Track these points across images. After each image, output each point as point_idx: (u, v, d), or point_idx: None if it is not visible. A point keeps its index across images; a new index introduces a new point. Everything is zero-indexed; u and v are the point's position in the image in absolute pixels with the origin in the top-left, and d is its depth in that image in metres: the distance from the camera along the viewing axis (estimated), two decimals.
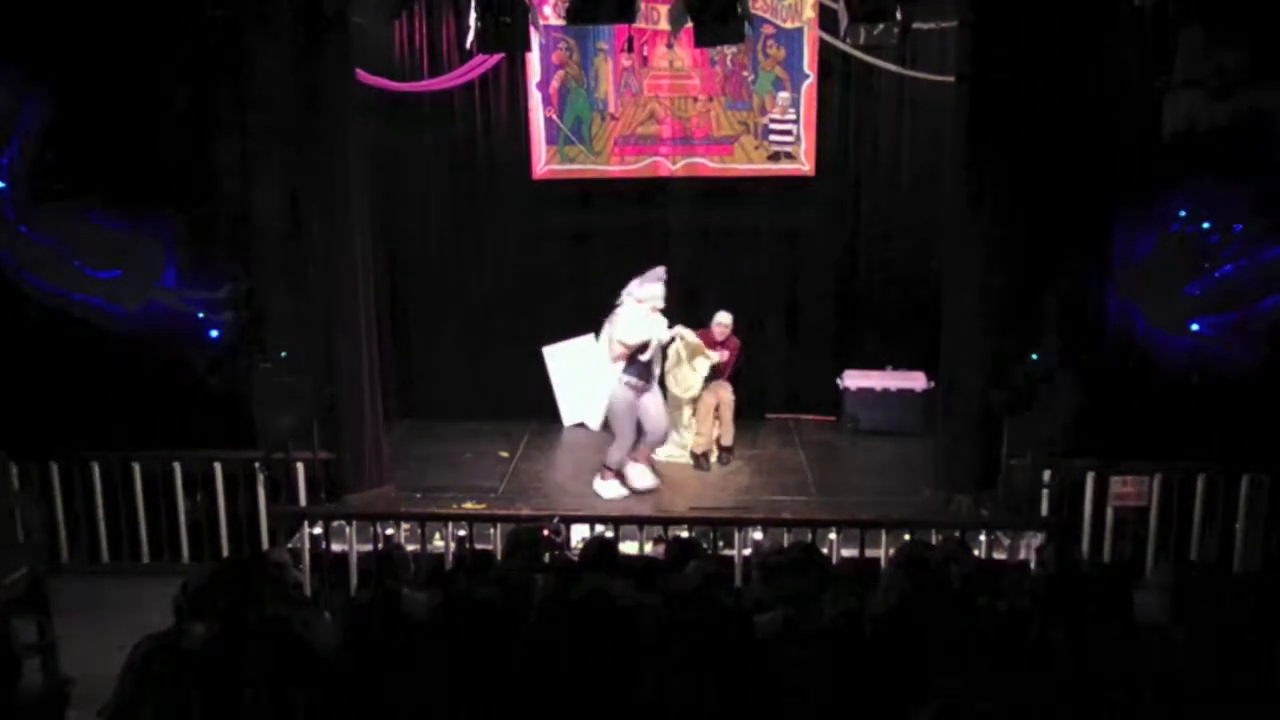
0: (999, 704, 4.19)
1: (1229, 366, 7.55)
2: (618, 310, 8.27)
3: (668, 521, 7.29)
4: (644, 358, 8.21)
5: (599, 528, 7.15)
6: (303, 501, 8.06)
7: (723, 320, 8.99)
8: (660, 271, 8.30)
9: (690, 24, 7.45)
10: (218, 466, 8.08)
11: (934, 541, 6.25)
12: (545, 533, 5.99)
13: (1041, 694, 4.27)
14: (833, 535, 7.15)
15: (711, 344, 8.91)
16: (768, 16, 9.38)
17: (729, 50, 9.31)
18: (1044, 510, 7.74)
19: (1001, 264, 7.71)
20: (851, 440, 9.59)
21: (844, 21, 7.67)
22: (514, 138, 9.81)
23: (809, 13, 9.35)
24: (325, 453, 8.11)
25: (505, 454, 9.27)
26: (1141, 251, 7.82)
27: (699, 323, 8.97)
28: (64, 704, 4.28)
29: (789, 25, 9.45)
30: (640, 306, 8.20)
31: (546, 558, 5.50)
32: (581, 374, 9.91)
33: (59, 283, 7.75)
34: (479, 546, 7.15)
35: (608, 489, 8.37)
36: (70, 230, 7.78)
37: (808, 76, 9.51)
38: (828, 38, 9.30)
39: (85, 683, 4.69)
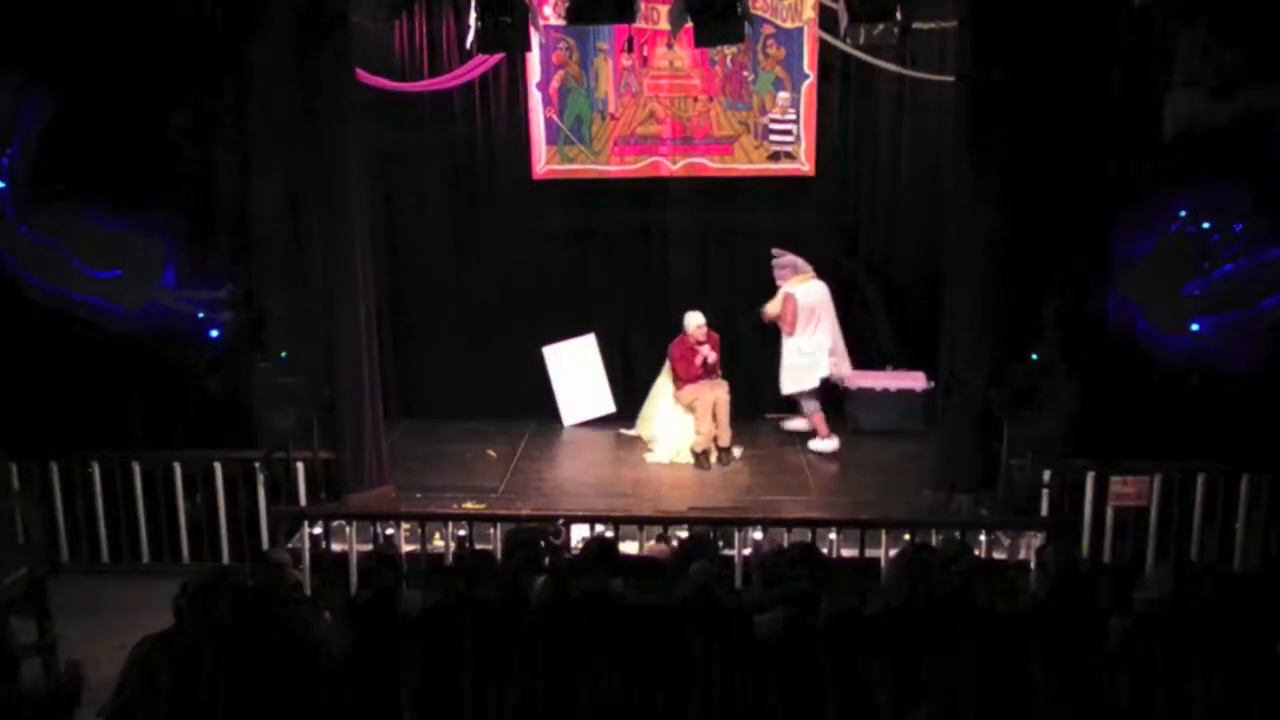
0: (997, 704, 4.20)
1: (1229, 366, 7.54)
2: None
3: (668, 521, 7.29)
4: None
5: (599, 528, 7.15)
6: (303, 501, 8.07)
7: (695, 321, 9.00)
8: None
9: (690, 24, 7.45)
10: (218, 466, 8.08)
11: (934, 542, 6.26)
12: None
13: (1040, 693, 4.27)
14: (833, 535, 7.15)
15: (685, 350, 8.99)
16: (768, 16, 9.37)
17: (729, 50, 9.30)
18: (1044, 510, 7.73)
19: (1001, 264, 7.71)
20: (852, 440, 9.57)
21: (844, 21, 7.67)
22: (514, 138, 9.80)
23: (809, 13, 9.34)
24: (325, 453, 8.12)
25: (493, 453, 9.26)
26: (1141, 251, 7.80)
27: (677, 327, 9.11)
28: (75, 701, 4.27)
29: (789, 25, 9.44)
30: None
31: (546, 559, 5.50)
32: (582, 374, 9.91)
33: (59, 282, 7.73)
34: (479, 546, 7.15)
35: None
36: (70, 230, 7.78)
37: (808, 76, 9.50)
38: (828, 38, 9.29)
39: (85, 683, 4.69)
